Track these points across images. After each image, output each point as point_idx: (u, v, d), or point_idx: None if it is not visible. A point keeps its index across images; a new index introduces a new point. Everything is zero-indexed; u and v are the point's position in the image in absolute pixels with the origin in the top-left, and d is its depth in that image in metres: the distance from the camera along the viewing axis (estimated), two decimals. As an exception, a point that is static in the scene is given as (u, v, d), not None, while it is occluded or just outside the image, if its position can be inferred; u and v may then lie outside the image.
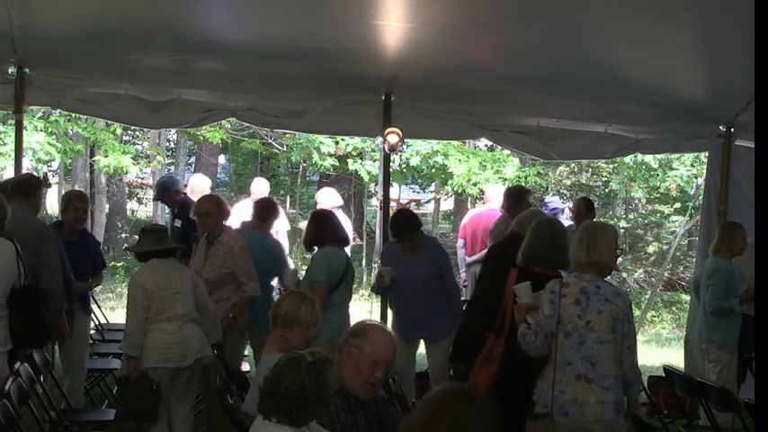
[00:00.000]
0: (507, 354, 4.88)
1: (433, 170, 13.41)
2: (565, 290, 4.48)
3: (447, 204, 18.26)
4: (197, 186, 9.50)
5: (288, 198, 17.58)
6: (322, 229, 6.12)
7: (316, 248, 6.16)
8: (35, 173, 10.39)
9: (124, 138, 15.42)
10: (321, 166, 13.45)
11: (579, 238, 4.62)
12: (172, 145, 17.33)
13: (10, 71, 6.84)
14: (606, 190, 15.20)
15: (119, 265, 14.01)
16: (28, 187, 5.75)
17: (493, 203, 8.87)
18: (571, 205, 9.40)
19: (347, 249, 6.68)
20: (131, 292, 5.22)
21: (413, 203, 19.89)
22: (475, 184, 12.69)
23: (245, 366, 6.85)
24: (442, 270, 6.36)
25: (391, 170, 9.26)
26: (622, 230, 15.05)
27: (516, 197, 7.37)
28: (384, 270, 6.44)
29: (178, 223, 8.21)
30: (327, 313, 5.48)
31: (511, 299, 4.85)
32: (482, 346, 5.18)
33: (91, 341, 7.61)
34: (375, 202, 15.40)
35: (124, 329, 5.28)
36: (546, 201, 10.31)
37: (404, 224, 6.42)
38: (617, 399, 4.42)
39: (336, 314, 5.81)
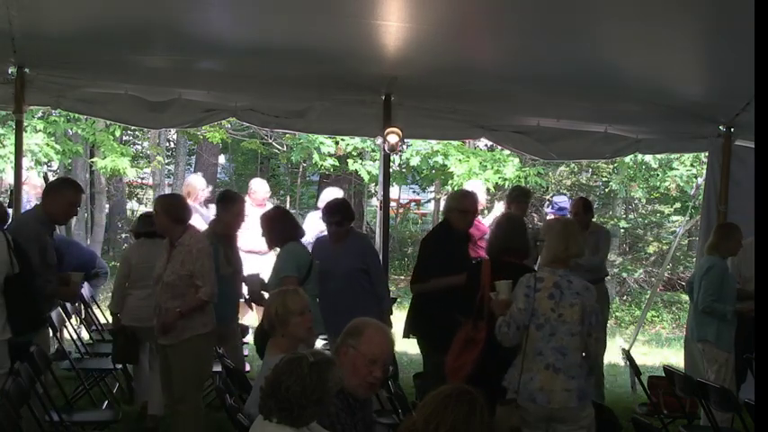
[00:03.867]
0: (491, 339, 4.92)
1: (433, 170, 13.39)
2: (539, 284, 4.68)
3: (447, 204, 18.22)
4: (185, 186, 9.51)
5: (288, 198, 17.57)
6: (281, 228, 6.12)
7: (278, 248, 6.20)
8: (36, 173, 10.40)
9: (124, 138, 15.39)
10: (321, 166, 13.42)
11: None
12: (172, 145, 17.29)
13: (10, 71, 6.83)
14: (606, 190, 15.18)
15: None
16: (48, 188, 5.86)
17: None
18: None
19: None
20: (120, 261, 6.79)
21: (413, 203, 19.86)
22: (475, 185, 12.66)
23: (245, 366, 6.85)
24: (369, 266, 6.33)
25: (391, 170, 9.25)
26: (622, 230, 15.05)
27: (508, 196, 7.53)
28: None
29: None
30: None
31: (488, 287, 5.01)
32: (432, 324, 5.74)
33: (90, 341, 7.62)
34: (375, 203, 15.39)
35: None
36: (555, 200, 10.28)
37: (335, 207, 6.47)
38: (580, 386, 4.60)
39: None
